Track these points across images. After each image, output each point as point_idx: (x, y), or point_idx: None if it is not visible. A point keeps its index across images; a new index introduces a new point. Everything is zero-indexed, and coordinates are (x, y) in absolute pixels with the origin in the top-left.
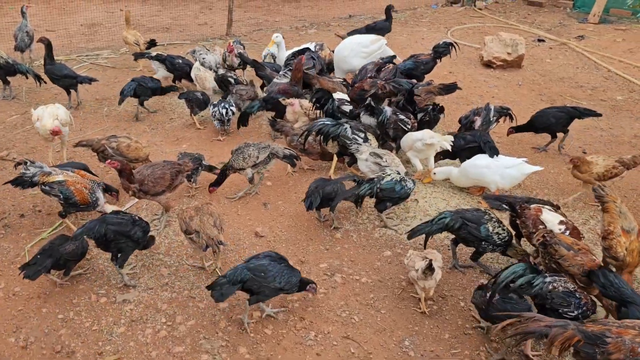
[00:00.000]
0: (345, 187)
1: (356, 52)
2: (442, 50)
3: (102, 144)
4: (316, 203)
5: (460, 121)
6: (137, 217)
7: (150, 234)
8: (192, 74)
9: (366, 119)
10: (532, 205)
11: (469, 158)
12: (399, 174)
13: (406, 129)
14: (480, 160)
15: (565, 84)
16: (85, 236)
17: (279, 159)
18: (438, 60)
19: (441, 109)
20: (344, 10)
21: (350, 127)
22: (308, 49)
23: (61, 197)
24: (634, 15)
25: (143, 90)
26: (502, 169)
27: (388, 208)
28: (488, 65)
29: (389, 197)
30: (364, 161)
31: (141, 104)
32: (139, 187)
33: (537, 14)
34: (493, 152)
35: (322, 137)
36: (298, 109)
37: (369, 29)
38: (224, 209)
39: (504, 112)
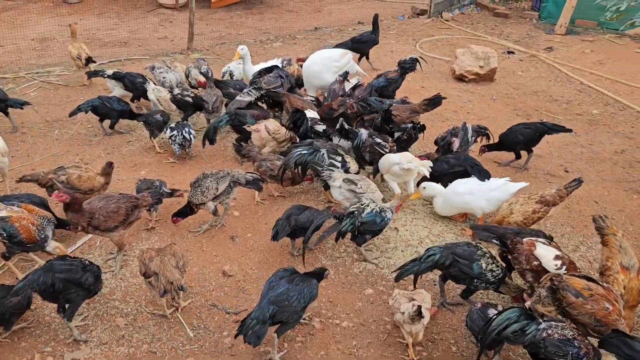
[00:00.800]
0: (320, 215)
1: (328, 67)
2: (408, 66)
3: (49, 179)
4: (283, 233)
5: (436, 142)
6: (87, 262)
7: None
8: (151, 96)
9: (339, 141)
10: (525, 239)
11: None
12: (375, 204)
13: (383, 152)
14: (461, 187)
15: (539, 97)
16: (29, 289)
17: (242, 186)
18: (404, 76)
19: (421, 128)
20: (310, 23)
21: (327, 151)
22: (276, 66)
23: (4, 234)
24: (599, 26)
25: (107, 110)
26: (487, 193)
27: (367, 241)
28: (460, 79)
29: (370, 230)
30: (337, 188)
31: (112, 127)
32: (88, 222)
33: (504, 25)
34: (483, 175)
35: (299, 168)
36: (265, 134)
37: (354, 42)
38: (187, 244)
39: (481, 132)
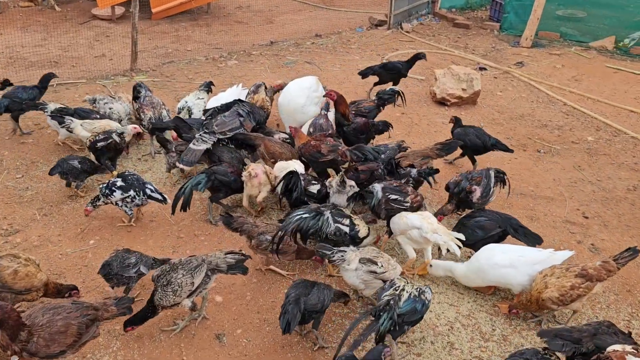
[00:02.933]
0: (333, 293)
1: (311, 98)
2: (386, 98)
3: None
4: (296, 322)
5: (448, 189)
6: None
7: None
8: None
9: (338, 198)
10: (612, 350)
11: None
12: (411, 285)
13: (402, 207)
14: (501, 258)
15: (527, 123)
16: None
17: (223, 273)
18: (382, 108)
19: (432, 172)
20: (263, 36)
21: (331, 213)
22: (237, 101)
23: None
24: (562, 37)
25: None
26: (530, 267)
27: (405, 332)
28: (441, 103)
29: (410, 320)
30: (353, 272)
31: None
32: (22, 346)
33: (467, 37)
34: (533, 240)
35: (299, 236)
36: (264, 178)
37: (382, 67)
38: (160, 350)
39: (500, 177)
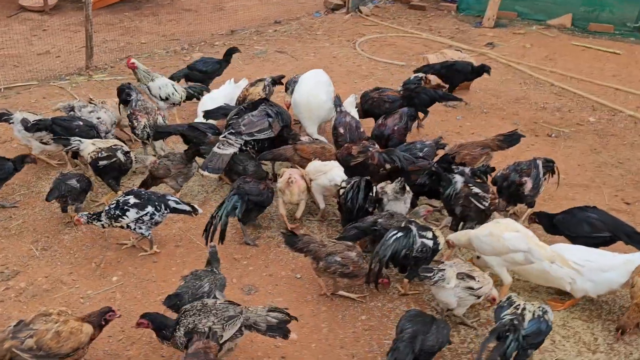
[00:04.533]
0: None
1: (329, 93)
2: (413, 88)
3: (5, 349)
4: None
5: (495, 183)
6: None
7: None
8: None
9: (395, 206)
10: None
11: None
12: (532, 304)
13: (481, 206)
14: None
15: (527, 106)
16: None
17: (259, 332)
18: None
19: (491, 169)
20: (219, 25)
21: (417, 228)
22: (266, 100)
23: None
24: (519, 17)
25: None
26: (598, 273)
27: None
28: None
29: (535, 342)
30: (451, 290)
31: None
32: None
33: (427, 19)
34: None
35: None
36: (303, 185)
37: (444, 67)
38: None
39: (549, 167)
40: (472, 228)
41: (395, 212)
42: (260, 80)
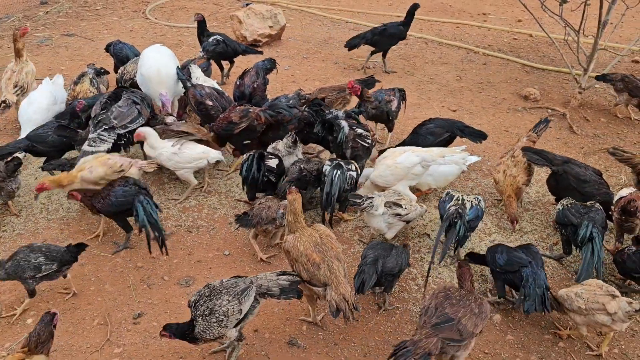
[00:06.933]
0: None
1: (176, 64)
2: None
3: None
4: (370, 284)
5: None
6: None
7: None
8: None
9: (289, 160)
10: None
11: None
12: (468, 195)
13: (367, 144)
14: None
15: (336, 46)
16: None
17: (274, 298)
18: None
19: (359, 111)
20: None
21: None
22: (124, 88)
23: None
24: None
25: None
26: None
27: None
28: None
29: (474, 227)
30: (380, 216)
31: None
32: None
33: None
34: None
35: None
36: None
37: (375, 34)
38: None
39: (402, 95)
40: (363, 166)
41: (306, 157)
42: (82, 75)
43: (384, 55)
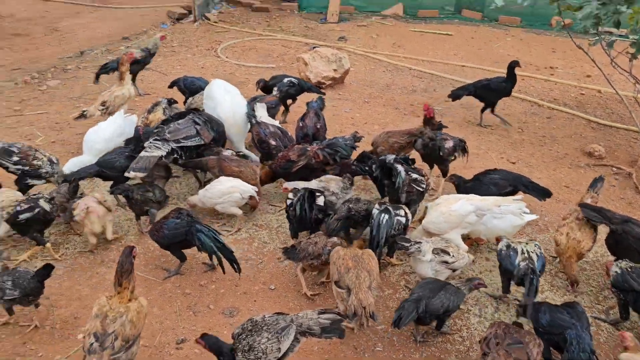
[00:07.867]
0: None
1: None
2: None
3: None
4: (407, 320)
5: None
6: None
7: None
8: None
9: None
10: None
11: None
12: (527, 244)
13: (422, 189)
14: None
15: (398, 91)
16: None
17: (315, 337)
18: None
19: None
20: (61, 47)
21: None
22: (194, 110)
23: None
24: (357, 10)
25: None
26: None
27: None
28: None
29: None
30: (427, 263)
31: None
32: None
33: (274, 20)
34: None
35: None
36: (101, 210)
37: (479, 87)
38: None
39: (462, 146)
40: (415, 211)
41: (358, 197)
42: (156, 104)
43: (491, 110)
